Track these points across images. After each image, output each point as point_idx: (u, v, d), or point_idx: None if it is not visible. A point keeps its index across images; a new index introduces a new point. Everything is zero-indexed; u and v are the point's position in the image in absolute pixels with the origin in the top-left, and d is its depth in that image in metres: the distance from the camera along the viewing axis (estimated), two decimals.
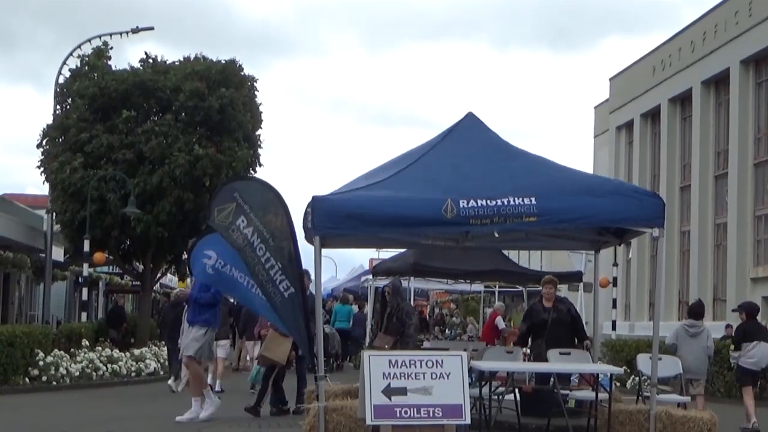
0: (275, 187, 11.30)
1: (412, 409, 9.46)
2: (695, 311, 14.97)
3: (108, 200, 28.99)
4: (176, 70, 30.68)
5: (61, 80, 30.69)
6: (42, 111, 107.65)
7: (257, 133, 32.05)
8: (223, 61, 31.21)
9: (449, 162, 10.92)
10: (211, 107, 29.57)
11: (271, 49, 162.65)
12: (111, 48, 31.35)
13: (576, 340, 13.78)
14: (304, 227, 10.78)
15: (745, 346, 15.13)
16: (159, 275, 33.81)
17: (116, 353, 23.56)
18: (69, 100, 30.74)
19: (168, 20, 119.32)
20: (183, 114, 30.08)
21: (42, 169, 30.17)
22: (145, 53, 31.80)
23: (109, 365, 22.59)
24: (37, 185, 42.85)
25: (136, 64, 31.42)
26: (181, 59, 31.55)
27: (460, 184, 10.37)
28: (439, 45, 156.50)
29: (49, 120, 30.63)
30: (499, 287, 30.62)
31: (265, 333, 15.14)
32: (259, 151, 32.08)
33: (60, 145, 29.91)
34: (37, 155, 30.54)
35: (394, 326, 14.18)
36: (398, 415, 9.19)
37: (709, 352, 14.51)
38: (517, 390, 12.49)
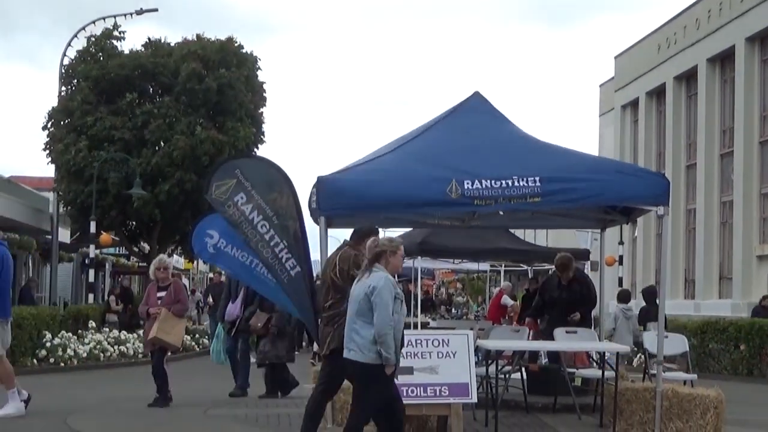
0: (281, 166, 11.22)
1: (418, 388, 9.50)
2: (625, 297, 17.87)
3: (108, 180, 29.05)
4: (175, 52, 30.62)
5: (66, 62, 30.69)
6: (40, 92, 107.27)
7: (260, 110, 32.01)
8: (221, 39, 31.11)
9: (454, 141, 10.88)
10: (210, 88, 29.48)
11: (265, 27, 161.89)
12: (123, 32, 31.26)
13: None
14: (310, 207, 10.79)
15: (648, 327, 16.81)
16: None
17: (123, 334, 23.67)
18: (74, 82, 30.74)
19: (164, 1, 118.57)
20: (183, 96, 30.04)
21: (48, 151, 30.23)
22: (148, 38, 31.78)
23: (116, 346, 22.70)
24: (39, 167, 43.54)
25: (139, 47, 31.40)
26: (181, 40, 31.49)
27: (465, 163, 10.35)
28: (436, 23, 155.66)
29: (52, 101, 30.70)
30: (505, 266, 30.64)
31: (155, 312, 13.15)
32: (263, 128, 32.10)
33: (65, 127, 29.93)
34: (33, 138, 30.82)
35: (268, 302, 14.11)
36: (405, 394, 9.20)
37: (636, 332, 16.75)
38: (523, 369, 12.53)
